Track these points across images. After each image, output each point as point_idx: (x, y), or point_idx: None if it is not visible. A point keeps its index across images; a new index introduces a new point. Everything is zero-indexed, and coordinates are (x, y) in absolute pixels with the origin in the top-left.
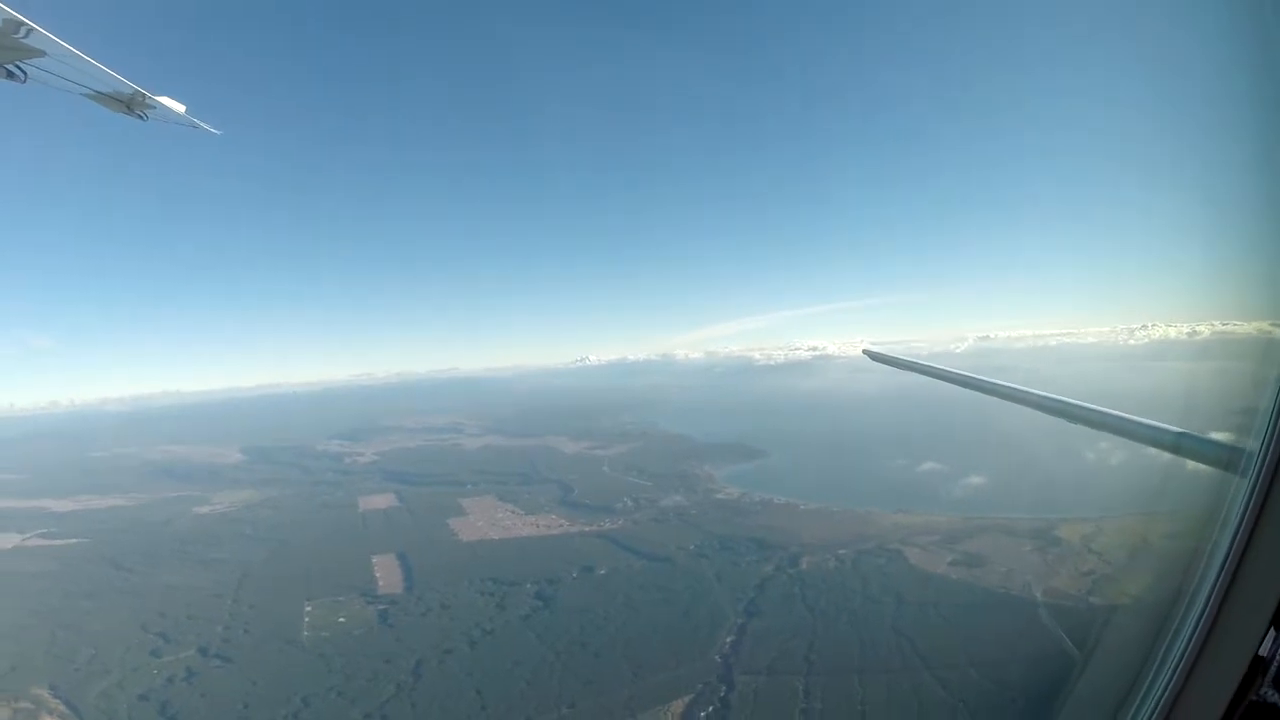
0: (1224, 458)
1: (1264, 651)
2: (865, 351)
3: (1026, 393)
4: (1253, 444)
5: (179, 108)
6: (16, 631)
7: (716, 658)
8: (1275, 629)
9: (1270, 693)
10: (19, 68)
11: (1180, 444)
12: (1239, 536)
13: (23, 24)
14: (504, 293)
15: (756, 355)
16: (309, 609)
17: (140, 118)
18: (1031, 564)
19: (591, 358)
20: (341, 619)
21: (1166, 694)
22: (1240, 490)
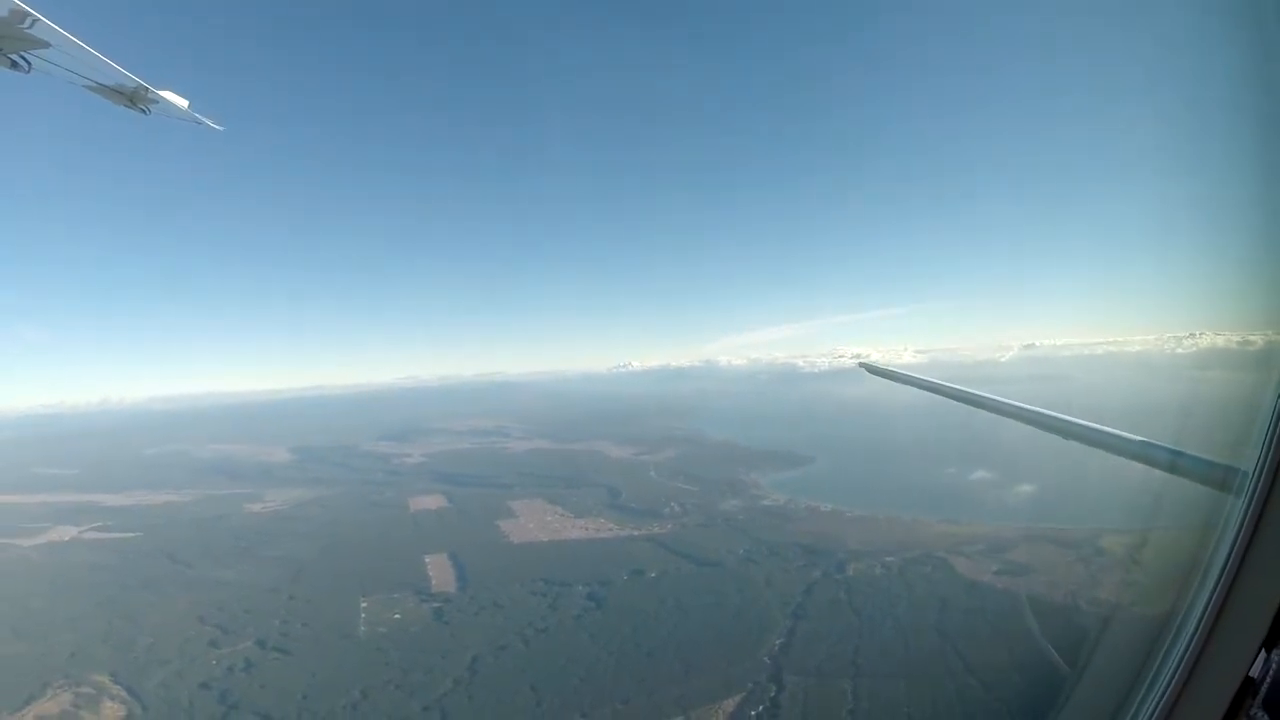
0: (1219, 477)
1: (1254, 673)
2: (862, 364)
3: (1021, 409)
4: (1247, 464)
5: (182, 103)
6: (76, 621)
7: (766, 659)
8: (1266, 650)
9: (1260, 714)
10: (23, 58)
11: (1176, 463)
12: (1232, 557)
13: (28, 14)
14: (547, 298)
15: (800, 362)
16: (364, 605)
17: (143, 111)
18: (1076, 574)
19: (634, 363)
20: (397, 615)
21: (1157, 712)
22: (1235, 510)
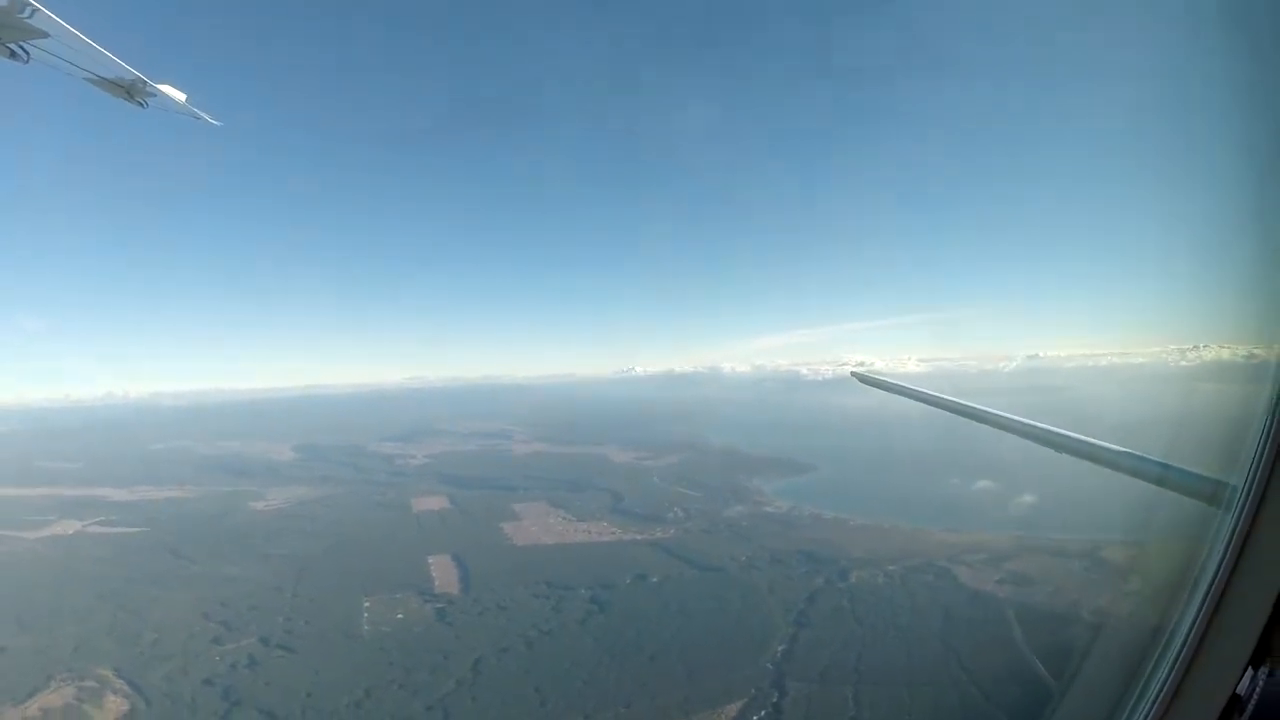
0: (1207, 491)
1: (1241, 690)
2: (853, 374)
3: (1013, 420)
4: (1236, 478)
5: (179, 96)
6: (80, 614)
7: (768, 665)
8: (1253, 668)
9: None
10: (22, 48)
11: (1165, 476)
12: (1220, 573)
13: (28, 4)
14: (552, 301)
15: (804, 369)
16: (368, 604)
17: (140, 105)
18: (1076, 585)
19: (638, 368)
20: (400, 615)
21: None
22: (1223, 525)
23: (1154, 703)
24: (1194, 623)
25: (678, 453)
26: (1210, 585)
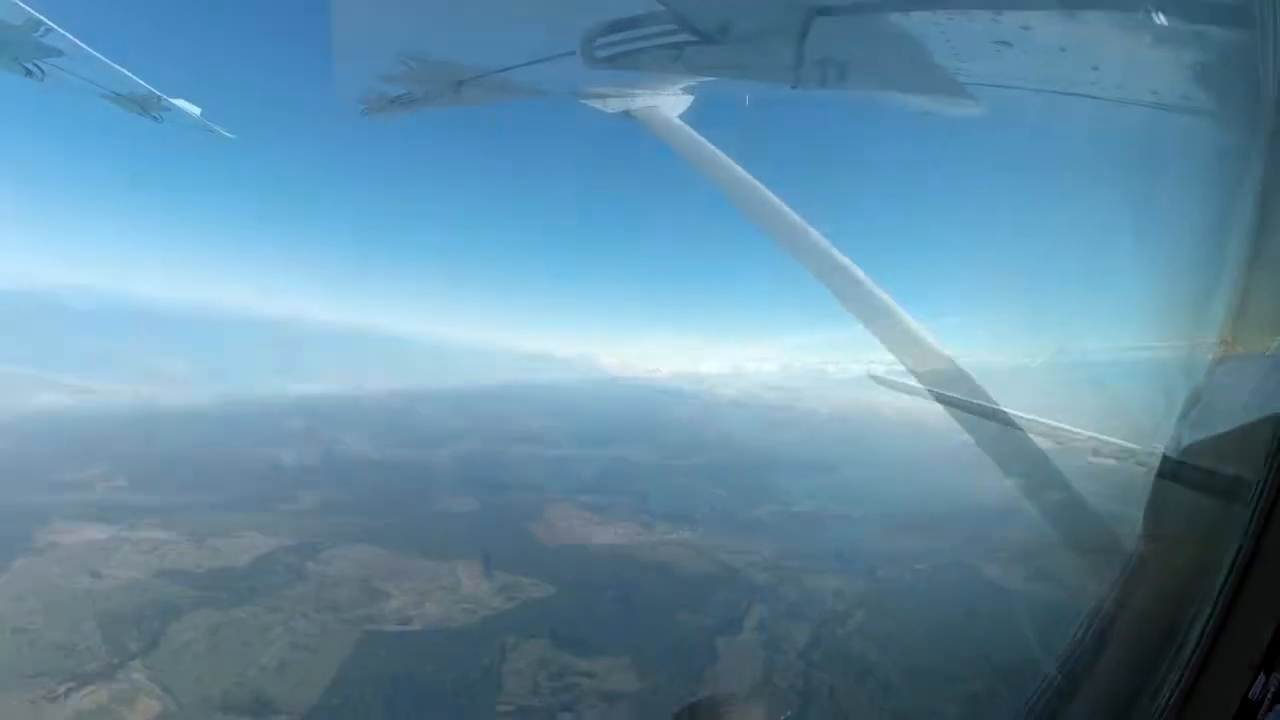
0: (1225, 489)
1: (1253, 695)
2: (870, 375)
3: (1032, 420)
4: (1254, 475)
5: (194, 110)
6: (111, 616)
7: (795, 661)
8: (1265, 673)
9: None
10: (37, 66)
11: (1181, 472)
12: (1233, 573)
13: (41, 23)
14: (577, 302)
15: (832, 368)
16: (394, 603)
17: (155, 119)
18: (1095, 582)
19: (663, 368)
20: (427, 612)
21: None
22: (1240, 524)
23: (1164, 706)
24: (1206, 624)
25: (704, 453)
26: (1224, 586)
